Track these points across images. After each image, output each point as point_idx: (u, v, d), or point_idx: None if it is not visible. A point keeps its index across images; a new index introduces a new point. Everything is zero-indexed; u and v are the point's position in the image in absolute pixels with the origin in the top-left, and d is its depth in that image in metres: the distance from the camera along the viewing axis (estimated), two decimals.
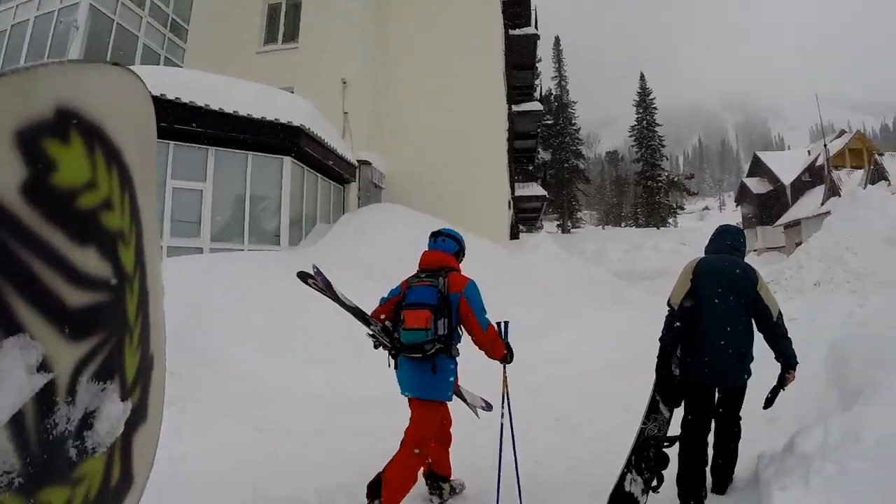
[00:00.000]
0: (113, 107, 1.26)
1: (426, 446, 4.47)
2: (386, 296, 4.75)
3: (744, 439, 4.75)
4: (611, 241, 45.81)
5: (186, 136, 13.01)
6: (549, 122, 60.05)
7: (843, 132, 54.23)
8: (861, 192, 16.21)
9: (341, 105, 19.24)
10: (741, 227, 5.90)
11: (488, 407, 5.51)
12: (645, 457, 4.40)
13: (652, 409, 4.60)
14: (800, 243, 26.59)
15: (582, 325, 12.09)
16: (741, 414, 4.73)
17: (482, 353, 4.59)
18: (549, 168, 61.02)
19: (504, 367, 4.70)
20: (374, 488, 4.24)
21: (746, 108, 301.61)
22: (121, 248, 1.33)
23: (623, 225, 72.28)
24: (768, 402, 4.54)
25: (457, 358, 4.59)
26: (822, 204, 40.49)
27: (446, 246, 4.84)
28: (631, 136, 67.54)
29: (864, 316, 6.88)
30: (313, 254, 12.46)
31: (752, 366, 4.61)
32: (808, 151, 56.80)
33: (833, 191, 39.65)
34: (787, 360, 4.52)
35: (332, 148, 16.07)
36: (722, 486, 4.72)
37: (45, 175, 1.06)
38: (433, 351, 4.36)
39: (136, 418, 1.45)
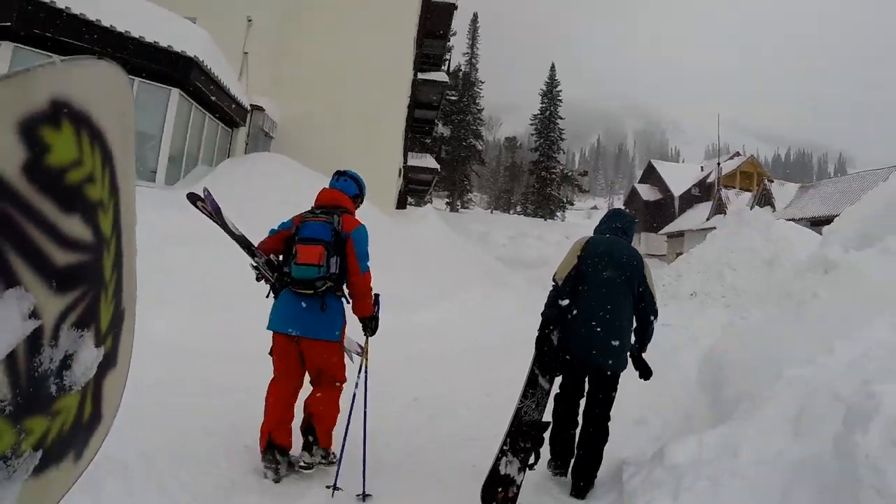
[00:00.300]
0: (97, 95, 1.46)
1: (343, 378, 4.56)
2: (276, 228, 4.62)
3: (610, 441, 4.71)
4: (498, 225, 46.29)
5: (63, 49, 11.50)
6: (454, 97, 59.80)
7: (737, 154, 57.05)
8: (748, 212, 16.77)
9: (243, 45, 18.57)
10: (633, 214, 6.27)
11: (361, 353, 5.20)
12: (520, 440, 4.38)
13: (530, 385, 4.52)
14: (680, 253, 27.63)
15: (458, 303, 12.13)
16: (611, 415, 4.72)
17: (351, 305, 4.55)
18: (447, 144, 61.08)
19: (367, 337, 4.67)
20: (308, 428, 4.40)
21: (648, 116, 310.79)
22: (101, 216, 1.53)
23: (511, 212, 72.96)
24: (645, 375, 4.82)
25: (343, 299, 4.55)
26: (708, 219, 42.42)
27: (347, 186, 4.79)
28: (532, 125, 67.47)
29: (745, 328, 6.98)
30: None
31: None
32: (702, 168, 59.13)
33: (720, 208, 41.66)
34: (647, 338, 4.75)
35: (225, 87, 15.34)
36: (582, 490, 4.56)
37: (41, 156, 1.26)
38: (324, 288, 4.29)
39: (107, 363, 1.69)
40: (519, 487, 4.29)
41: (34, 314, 1.27)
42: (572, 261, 4.62)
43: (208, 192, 4.46)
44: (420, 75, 28.23)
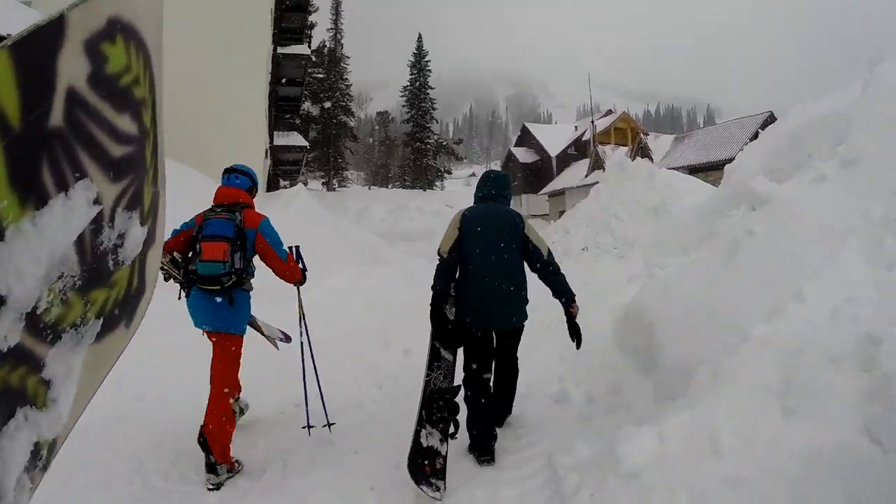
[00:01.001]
0: (140, 8, 1.65)
1: (234, 384, 4.59)
2: (178, 228, 4.64)
3: (531, 418, 5.07)
4: (375, 200, 45.48)
5: None
6: (321, 75, 58.74)
7: (609, 112, 57.16)
8: (629, 163, 16.39)
9: None
10: (505, 172, 6.13)
11: (287, 339, 5.66)
12: (435, 409, 4.38)
13: (434, 358, 4.65)
14: (563, 212, 27.52)
15: (331, 284, 11.14)
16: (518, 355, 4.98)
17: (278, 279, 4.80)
18: (317, 123, 59.24)
19: (298, 289, 5.06)
20: (205, 445, 4.33)
21: (518, 82, 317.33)
22: (143, 112, 1.74)
23: (390, 186, 71.90)
24: (577, 341, 4.72)
25: (250, 292, 4.69)
26: (587, 175, 42.84)
27: (240, 182, 4.82)
28: (403, 97, 66.58)
29: (668, 278, 5.91)
30: None
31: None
32: (576, 127, 59.90)
33: (597, 164, 42.20)
34: (564, 294, 4.68)
35: None
36: (500, 419, 4.98)
37: (101, 67, 1.45)
38: (230, 284, 4.39)
39: (150, 239, 1.90)
40: (445, 458, 4.26)
41: (97, 201, 1.46)
42: (453, 233, 4.66)
43: None
44: (280, 49, 26.78)
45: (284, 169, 36.82)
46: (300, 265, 4.91)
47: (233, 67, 18.70)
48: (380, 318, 9.41)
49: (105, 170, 1.48)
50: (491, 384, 4.83)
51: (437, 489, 4.03)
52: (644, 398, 4.60)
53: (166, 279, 4.59)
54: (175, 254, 4.60)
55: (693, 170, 31.46)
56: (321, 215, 18.64)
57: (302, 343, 5.06)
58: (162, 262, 4.33)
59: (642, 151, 39.31)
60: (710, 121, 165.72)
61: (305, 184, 42.42)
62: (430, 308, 4.66)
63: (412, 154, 65.15)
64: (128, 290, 1.79)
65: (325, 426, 4.94)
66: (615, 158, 18.74)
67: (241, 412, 5.12)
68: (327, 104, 59.26)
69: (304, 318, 5.16)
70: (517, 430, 4.99)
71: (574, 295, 4.70)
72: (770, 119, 42.10)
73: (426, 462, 4.15)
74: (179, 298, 4.57)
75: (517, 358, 4.99)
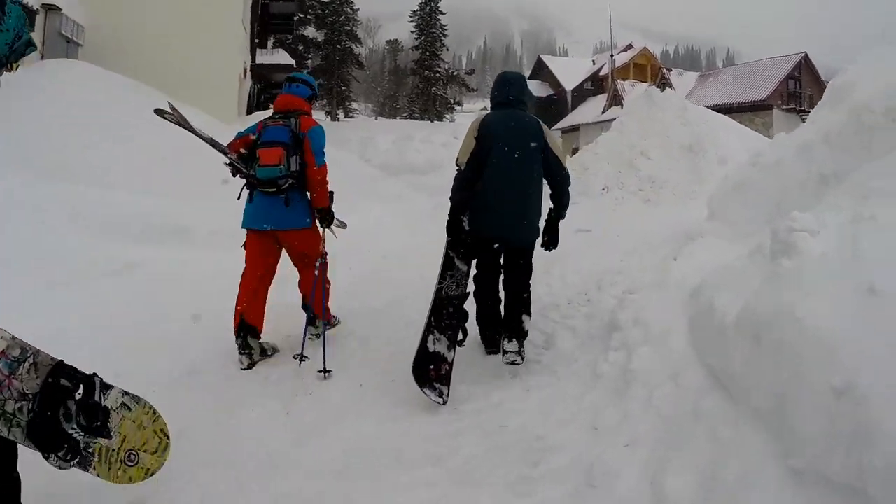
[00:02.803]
0: None
1: (314, 258, 4.98)
2: (242, 131, 4.99)
3: None
4: (381, 131, 42.89)
5: None
6: None
7: (630, 47, 54.82)
8: (658, 94, 14.13)
9: None
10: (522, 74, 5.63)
11: (343, 224, 5.60)
12: (444, 315, 4.44)
13: (447, 268, 4.65)
14: (576, 149, 25.74)
15: None
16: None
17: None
18: (321, 49, 56.76)
19: (323, 228, 5.09)
20: (306, 307, 5.06)
21: (534, 16, 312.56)
22: None
23: (399, 118, 69.34)
24: (551, 244, 4.79)
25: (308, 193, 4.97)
26: (604, 112, 40.93)
27: (300, 90, 5.05)
28: (412, 22, 62.80)
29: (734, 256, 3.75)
30: None
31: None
32: (594, 61, 58.82)
33: (616, 100, 40.32)
34: (563, 210, 4.75)
35: None
36: (513, 329, 4.67)
37: None
38: (286, 186, 4.72)
39: None
40: (451, 364, 4.28)
41: None
42: (471, 143, 4.59)
43: (172, 105, 4.51)
44: None
45: (277, 92, 34.11)
46: (330, 202, 5.02)
47: None
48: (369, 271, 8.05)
49: None
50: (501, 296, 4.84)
51: (441, 394, 4.08)
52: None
53: (234, 174, 4.87)
54: (243, 150, 4.82)
55: (718, 110, 29.70)
56: None
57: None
58: (230, 159, 4.73)
59: (664, 88, 37.35)
60: (729, 63, 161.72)
61: None
62: (447, 218, 4.65)
63: (420, 83, 62.29)
64: None
65: (319, 371, 4.61)
66: (641, 89, 16.66)
67: (263, 352, 4.99)
68: (327, 31, 56.79)
69: (325, 251, 5.09)
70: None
71: (565, 216, 4.77)
72: (805, 60, 39.85)
73: (432, 367, 4.19)
74: (239, 198, 4.95)
75: (529, 284, 4.81)
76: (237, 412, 4.02)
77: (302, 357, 4.66)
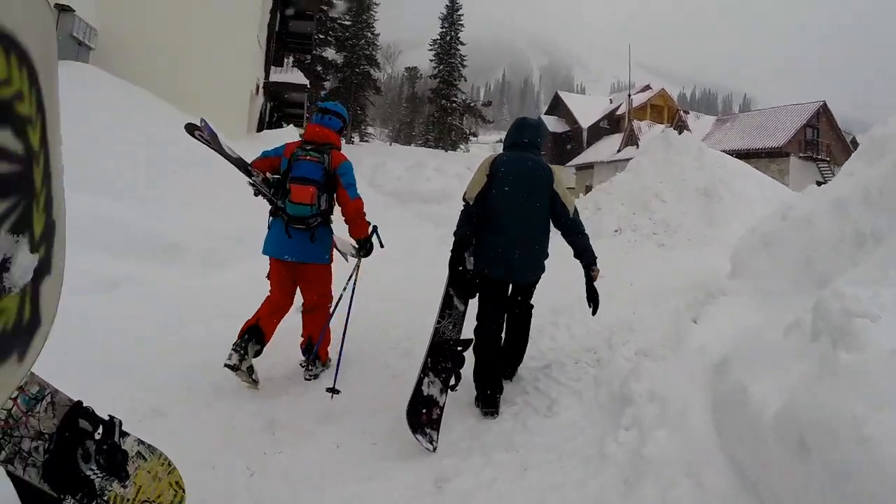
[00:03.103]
0: (20, 18, 1.41)
1: (328, 299, 5.18)
2: (269, 151, 5.06)
3: None
4: (394, 157, 42.99)
5: None
6: (348, 22, 57.42)
7: (647, 87, 55.01)
8: (675, 136, 13.92)
9: None
10: (539, 121, 5.90)
11: (355, 252, 5.55)
12: (441, 358, 4.38)
13: (446, 306, 4.57)
14: (589, 186, 25.56)
15: None
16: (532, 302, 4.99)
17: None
18: (340, 71, 57.26)
19: (360, 258, 5.22)
20: (308, 349, 5.13)
21: (554, 53, 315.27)
22: (30, 131, 1.53)
23: (413, 144, 69.47)
24: (593, 306, 4.67)
25: (332, 225, 5.08)
26: (619, 151, 40.84)
27: (332, 124, 5.11)
28: (431, 50, 63.69)
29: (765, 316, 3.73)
30: None
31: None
32: (611, 100, 58.95)
33: (631, 140, 40.21)
34: (586, 255, 4.64)
35: None
36: (509, 371, 5.02)
37: None
38: (315, 224, 4.83)
39: (42, 269, 1.66)
40: (442, 408, 4.24)
41: None
42: (482, 179, 4.59)
43: (204, 121, 4.58)
44: None
45: (290, 112, 33.91)
46: (370, 240, 5.14)
47: None
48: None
49: None
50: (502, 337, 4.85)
51: (431, 440, 4.01)
52: None
53: (256, 195, 4.90)
54: (268, 174, 4.87)
55: (735, 155, 29.54)
56: None
57: (341, 296, 5.14)
58: (253, 181, 4.74)
59: (681, 130, 37.23)
60: (746, 109, 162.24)
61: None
62: (449, 254, 4.60)
63: (437, 112, 62.60)
64: (18, 320, 1.56)
65: (328, 389, 4.62)
66: (658, 130, 16.31)
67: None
68: (347, 53, 57.35)
69: (355, 280, 5.22)
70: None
71: (595, 258, 4.65)
72: (823, 108, 39.59)
73: (424, 411, 4.13)
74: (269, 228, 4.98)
75: (531, 307, 5.00)
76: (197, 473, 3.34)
77: (334, 391, 4.59)
